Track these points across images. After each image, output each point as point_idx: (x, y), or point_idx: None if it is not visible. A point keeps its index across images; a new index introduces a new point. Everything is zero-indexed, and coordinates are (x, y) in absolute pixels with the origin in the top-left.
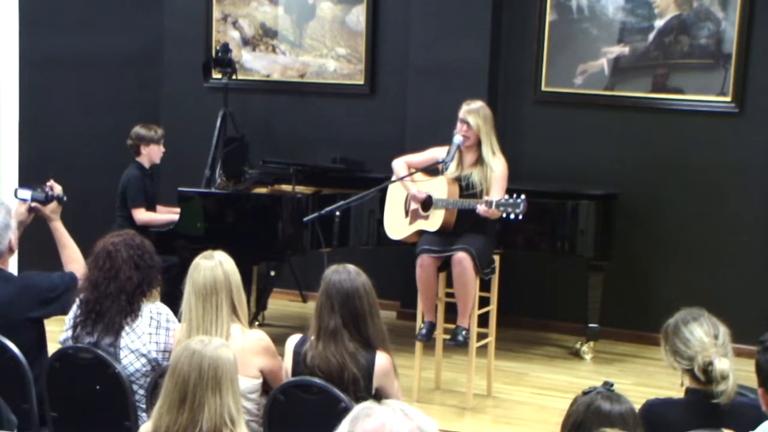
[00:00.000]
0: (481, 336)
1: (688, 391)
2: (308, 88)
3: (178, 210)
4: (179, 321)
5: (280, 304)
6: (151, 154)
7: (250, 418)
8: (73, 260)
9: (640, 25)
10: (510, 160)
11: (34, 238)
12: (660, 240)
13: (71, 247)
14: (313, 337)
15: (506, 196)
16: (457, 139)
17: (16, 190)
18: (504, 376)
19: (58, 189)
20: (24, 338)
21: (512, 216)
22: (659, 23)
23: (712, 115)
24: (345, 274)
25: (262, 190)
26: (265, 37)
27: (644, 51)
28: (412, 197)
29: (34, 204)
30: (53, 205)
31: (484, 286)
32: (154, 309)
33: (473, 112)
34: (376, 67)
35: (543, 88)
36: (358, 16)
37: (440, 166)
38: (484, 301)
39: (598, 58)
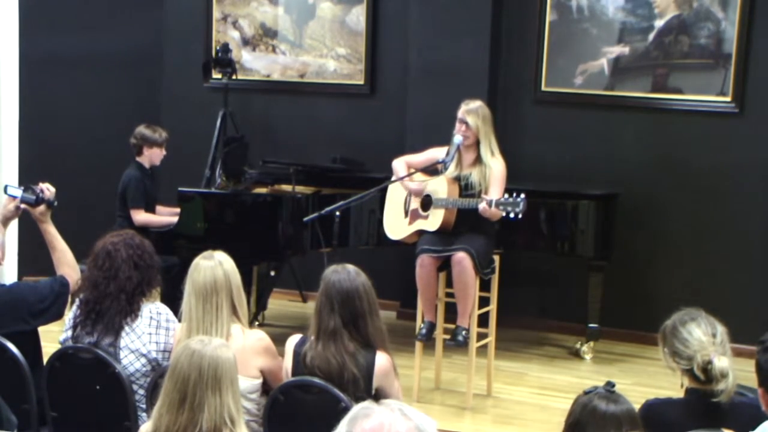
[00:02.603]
0: (481, 336)
1: (687, 391)
2: (308, 88)
3: (178, 211)
4: (179, 321)
5: (280, 304)
6: (153, 156)
7: (250, 418)
8: (64, 263)
9: (640, 25)
10: (510, 160)
11: (37, 239)
12: (660, 240)
13: (62, 250)
14: (312, 337)
15: (506, 195)
16: (457, 139)
17: (6, 187)
18: (504, 376)
19: (50, 192)
20: (18, 348)
21: (512, 215)
22: (659, 23)
23: (712, 115)
24: (344, 274)
25: (262, 190)
26: (265, 37)
27: (644, 51)
28: (414, 192)
29: (23, 205)
30: (42, 208)
31: (484, 286)
32: (153, 309)
33: (472, 112)
34: (376, 67)
35: (543, 88)
36: (358, 16)
37: (440, 167)
38: (484, 301)
39: (598, 58)
